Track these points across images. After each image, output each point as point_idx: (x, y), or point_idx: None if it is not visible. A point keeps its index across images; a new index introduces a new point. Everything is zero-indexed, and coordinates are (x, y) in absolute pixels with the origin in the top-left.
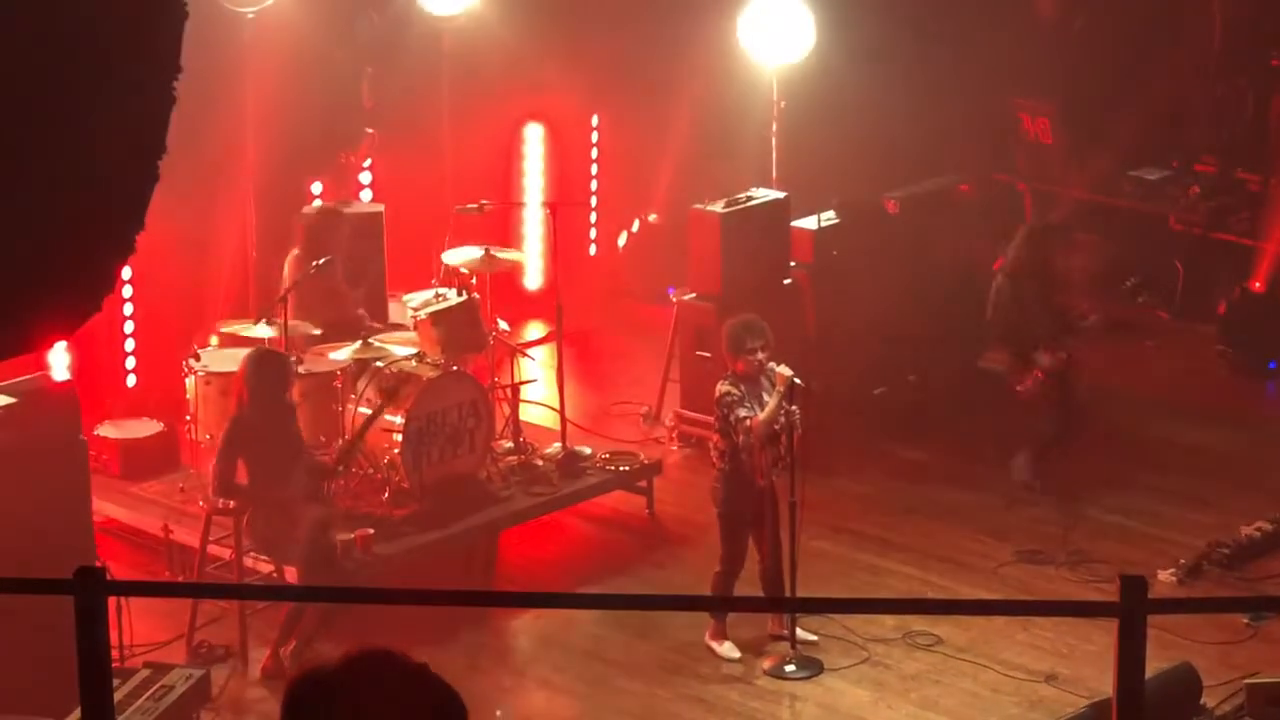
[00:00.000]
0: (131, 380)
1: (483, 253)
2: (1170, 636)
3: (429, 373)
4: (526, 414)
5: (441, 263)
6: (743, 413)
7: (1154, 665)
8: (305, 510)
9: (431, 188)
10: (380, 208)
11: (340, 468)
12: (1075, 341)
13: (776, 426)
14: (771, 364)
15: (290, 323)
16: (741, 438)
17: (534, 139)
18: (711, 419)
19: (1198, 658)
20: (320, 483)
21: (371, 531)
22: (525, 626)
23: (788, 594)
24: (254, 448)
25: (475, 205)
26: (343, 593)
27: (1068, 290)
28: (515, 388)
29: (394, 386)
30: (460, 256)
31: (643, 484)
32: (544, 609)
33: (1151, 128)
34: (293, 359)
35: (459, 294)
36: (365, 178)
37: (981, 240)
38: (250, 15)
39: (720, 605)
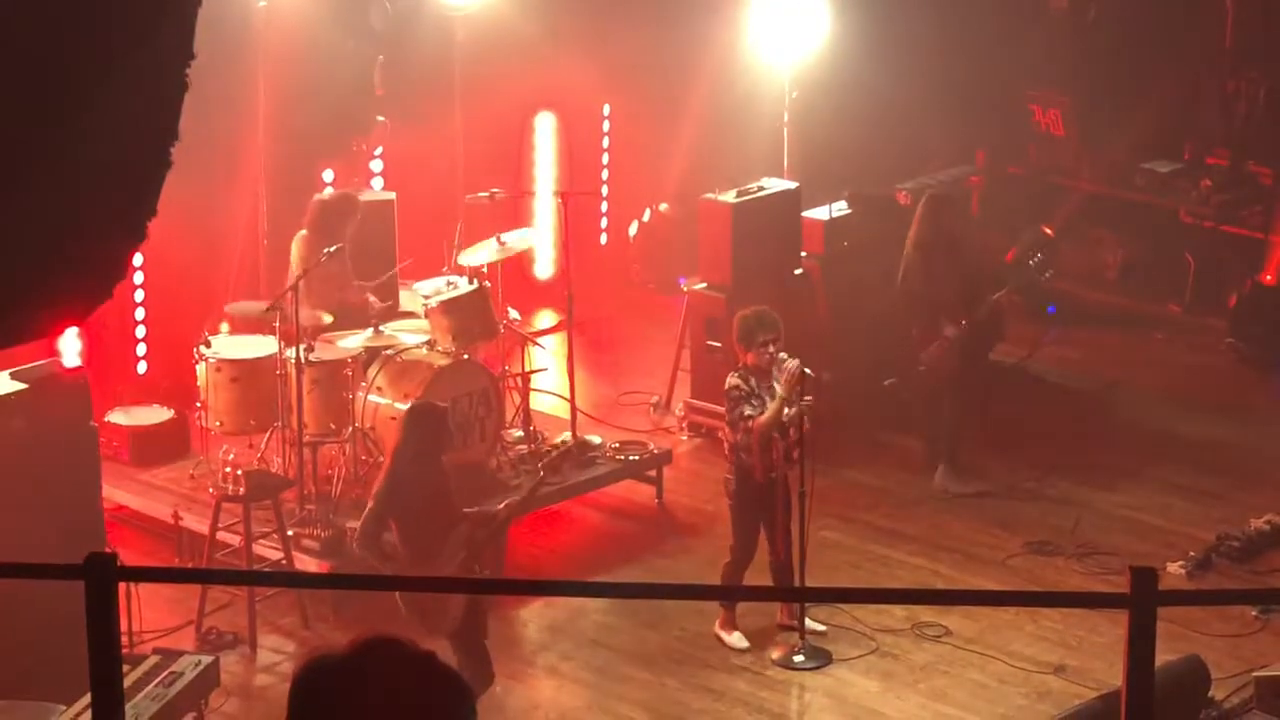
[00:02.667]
0: (142, 367)
1: (494, 243)
2: (1179, 629)
3: (440, 361)
4: (537, 403)
5: (454, 253)
6: (748, 410)
7: (1163, 657)
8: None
9: (443, 176)
10: (392, 195)
11: (496, 535)
12: (982, 314)
13: (785, 418)
14: (782, 355)
15: (301, 310)
16: (740, 436)
17: (545, 128)
18: (721, 409)
19: (1206, 650)
20: (474, 554)
21: None
22: (534, 615)
23: (797, 584)
24: (406, 508)
25: (486, 194)
26: (351, 580)
27: (976, 261)
28: (525, 377)
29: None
30: (476, 257)
31: (652, 473)
32: (553, 597)
33: (1163, 120)
34: (306, 346)
35: (470, 282)
36: (377, 165)
37: (994, 231)
38: (262, 2)
39: (729, 595)
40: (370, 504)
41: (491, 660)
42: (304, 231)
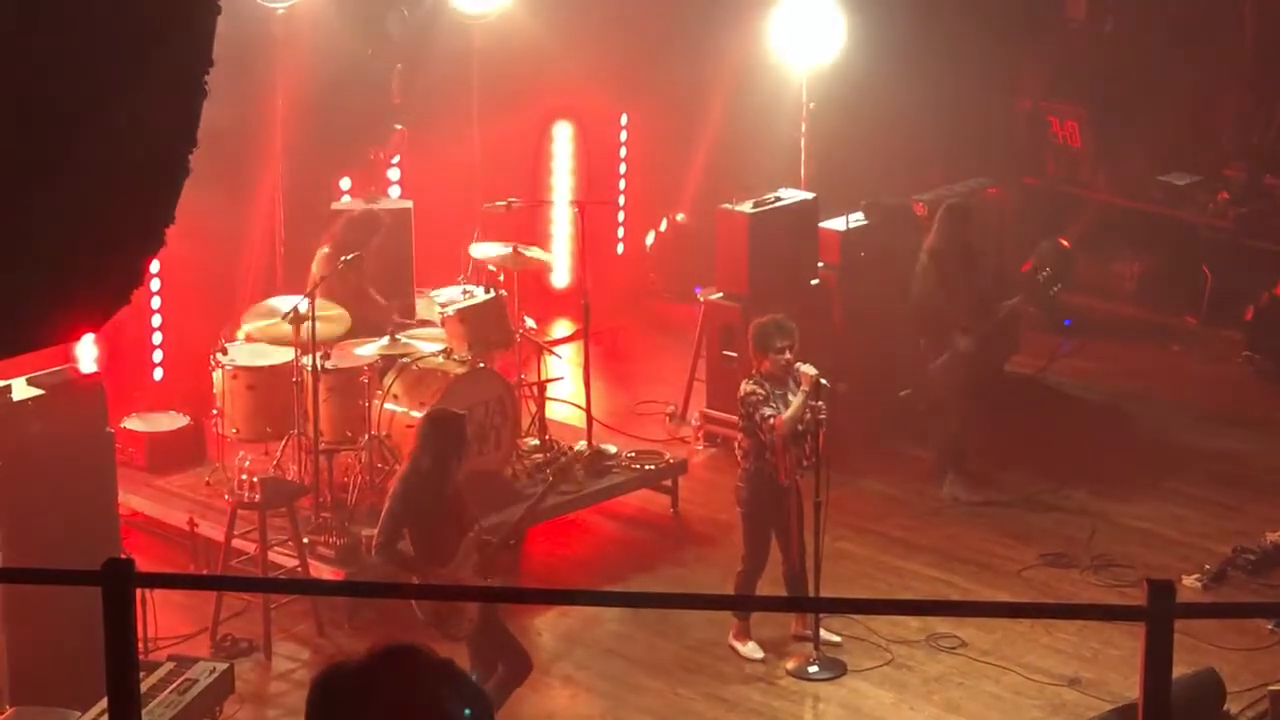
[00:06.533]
0: (158, 373)
1: (510, 250)
2: (1194, 642)
3: (456, 369)
4: (552, 412)
5: (470, 257)
6: (767, 411)
7: (1178, 670)
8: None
9: (460, 185)
10: (409, 204)
11: (512, 542)
12: (992, 325)
13: (801, 426)
14: (798, 364)
15: (318, 318)
16: (766, 437)
17: (563, 137)
18: (736, 419)
19: (1221, 664)
20: (488, 558)
21: None
22: (549, 624)
23: (811, 594)
24: (421, 514)
25: (504, 203)
26: (366, 587)
27: (990, 272)
28: (541, 385)
29: (565, 465)
30: (488, 252)
31: (668, 483)
32: (567, 606)
33: (1181, 133)
34: (322, 354)
35: (487, 291)
36: (394, 174)
37: (1010, 242)
38: (281, 10)
39: (744, 605)
40: (386, 511)
41: (524, 646)
42: (326, 249)
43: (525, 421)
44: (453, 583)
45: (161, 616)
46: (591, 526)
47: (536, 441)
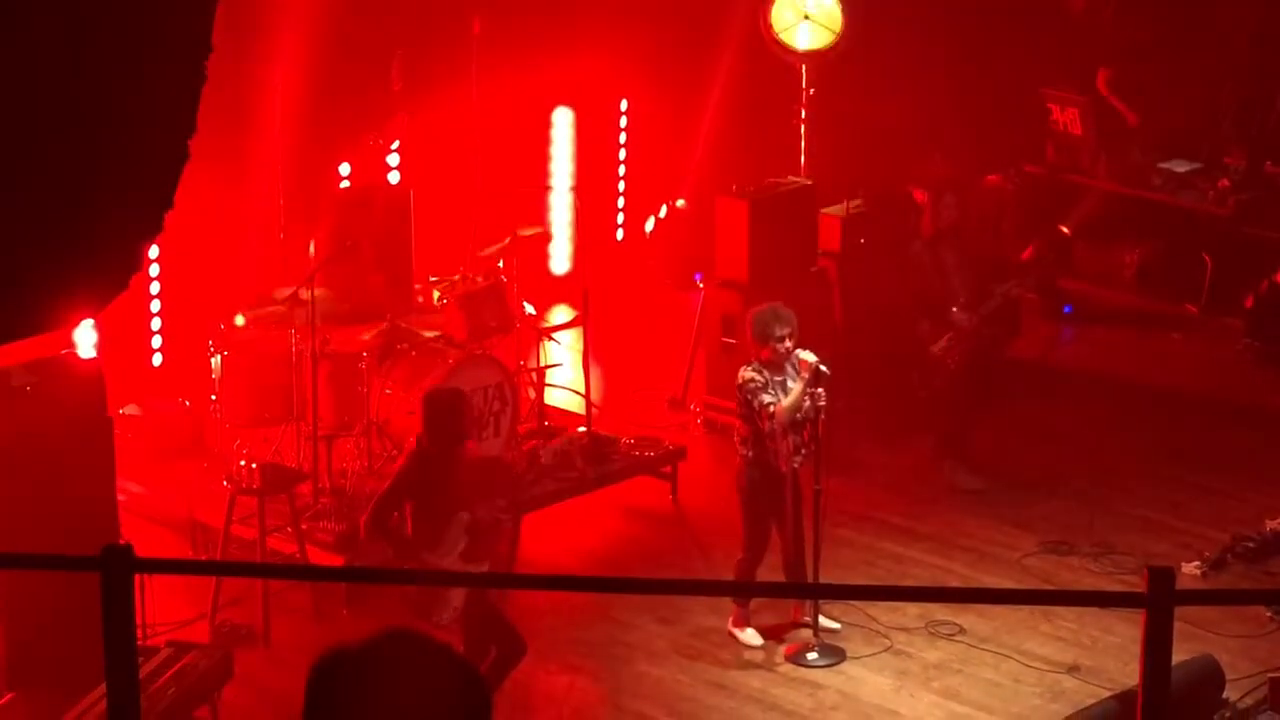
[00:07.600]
0: (158, 359)
1: (508, 240)
2: (1193, 629)
3: (455, 355)
4: (552, 398)
5: (468, 253)
6: (766, 399)
7: (1176, 657)
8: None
9: (460, 171)
10: (409, 190)
11: (512, 521)
12: (990, 307)
13: (800, 414)
14: (797, 350)
15: (317, 300)
16: (766, 424)
17: (563, 123)
18: (736, 406)
19: (1220, 650)
20: (480, 542)
21: None
22: (548, 610)
23: (811, 581)
24: (420, 492)
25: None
26: (365, 573)
27: (984, 254)
28: (541, 372)
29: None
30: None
31: (667, 470)
32: (567, 593)
33: (1181, 120)
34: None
35: (486, 278)
36: (394, 160)
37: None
38: None
39: (743, 591)
40: (387, 485)
41: (517, 630)
42: (322, 228)
43: (524, 408)
44: (439, 568)
45: (160, 602)
46: (590, 513)
47: (536, 428)
